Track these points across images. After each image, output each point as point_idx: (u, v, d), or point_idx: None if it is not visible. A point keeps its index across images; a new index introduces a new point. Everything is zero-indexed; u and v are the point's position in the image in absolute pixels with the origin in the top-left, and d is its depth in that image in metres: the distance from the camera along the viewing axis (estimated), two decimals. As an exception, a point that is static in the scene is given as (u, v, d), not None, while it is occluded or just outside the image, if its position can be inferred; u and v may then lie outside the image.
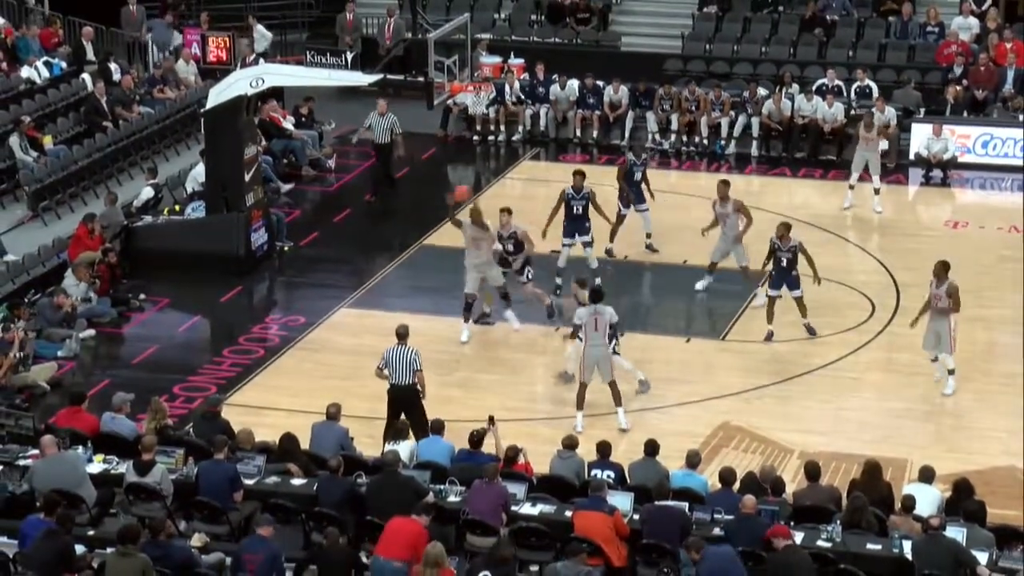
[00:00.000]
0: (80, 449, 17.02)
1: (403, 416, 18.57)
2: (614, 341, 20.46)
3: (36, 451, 16.88)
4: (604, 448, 17.25)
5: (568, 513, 15.81)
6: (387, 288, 24.66)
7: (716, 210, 23.77)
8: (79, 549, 14.76)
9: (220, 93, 25.22)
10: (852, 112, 30.52)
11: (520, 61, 33.04)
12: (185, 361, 22.33)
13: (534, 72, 32.48)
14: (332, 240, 27.08)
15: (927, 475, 16.70)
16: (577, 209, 23.72)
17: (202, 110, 26.45)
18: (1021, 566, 14.91)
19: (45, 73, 29.86)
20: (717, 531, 15.47)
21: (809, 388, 21.34)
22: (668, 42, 34.25)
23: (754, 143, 31.16)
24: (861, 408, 20.68)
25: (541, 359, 22.39)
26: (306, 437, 17.78)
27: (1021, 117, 28.53)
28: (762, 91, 31.42)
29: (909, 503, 15.87)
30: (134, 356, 22.63)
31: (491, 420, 17.76)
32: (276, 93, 30.07)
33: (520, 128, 32.17)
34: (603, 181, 26.08)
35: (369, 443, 18.43)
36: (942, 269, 20.68)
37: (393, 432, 18.05)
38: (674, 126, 31.48)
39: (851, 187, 27.86)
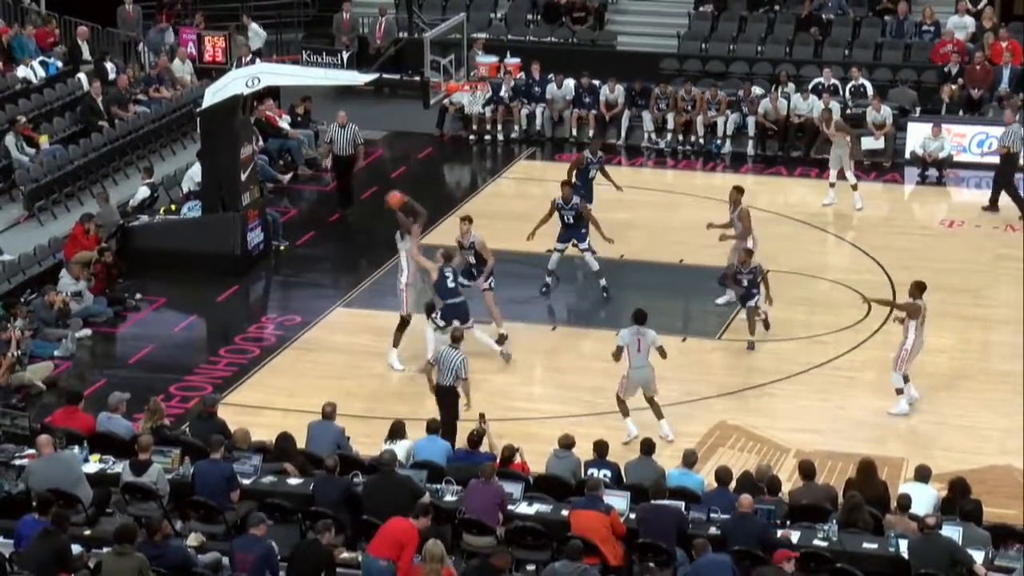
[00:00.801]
0: (76, 449, 17.00)
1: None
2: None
3: (32, 451, 16.87)
4: (601, 447, 17.26)
5: (565, 512, 15.80)
6: (383, 287, 24.63)
7: (730, 215, 23.71)
8: (75, 549, 14.76)
9: (216, 92, 25.21)
10: (848, 111, 30.51)
11: (516, 60, 33.03)
12: (181, 361, 22.32)
13: (530, 71, 32.47)
14: (328, 240, 27.07)
15: (923, 474, 16.73)
16: (568, 219, 23.67)
17: (198, 110, 26.44)
18: (1018, 565, 14.91)
19: (41, 72, 29.80)
20: (713, 530, 15.48)
21: (805, 387, 21.34)
22: (664, 41, 34.22)
23: (750, 142, 31.14)
24: (857, 407, 20.68)
25: (540, 359, 22.40)
26: (302, 437, 17.76)
27: (1020, 116, 28.46)
28: (758, 90, 31.40)
29: (905, 502, 15.88)
30: (130, 356, 22.63)
31: (482, 418, 17.75)
32: (272, 92, 30.05)
33: (516, 127, 32.17)
34: (600, 181, 26.15)
35: (365, 442, 18.39)
36: (916, 288, 20.27)
37: (389, 432, 18.05)
38: (670, 125, 31.45)
39: (831, 184, 27.91)
